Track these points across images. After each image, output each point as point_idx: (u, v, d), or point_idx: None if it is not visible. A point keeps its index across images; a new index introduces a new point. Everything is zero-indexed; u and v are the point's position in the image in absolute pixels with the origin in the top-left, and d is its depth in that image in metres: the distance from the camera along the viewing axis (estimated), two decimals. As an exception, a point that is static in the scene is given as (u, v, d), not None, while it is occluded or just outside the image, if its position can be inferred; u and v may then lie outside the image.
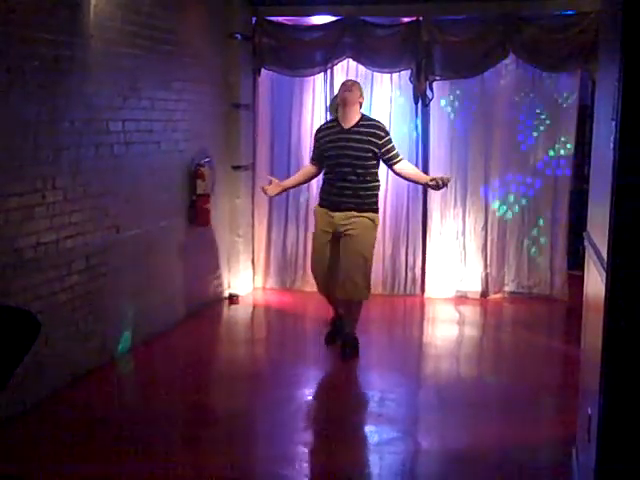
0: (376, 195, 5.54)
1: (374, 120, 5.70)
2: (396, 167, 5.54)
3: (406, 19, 7.17)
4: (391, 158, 5.49)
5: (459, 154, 7.36)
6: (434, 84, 7.15)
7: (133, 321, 5.61)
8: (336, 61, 7.30)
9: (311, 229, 7.59)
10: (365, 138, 5.42)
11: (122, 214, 5.44)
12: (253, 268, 7.71)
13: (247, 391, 5.08)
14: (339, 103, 5.55)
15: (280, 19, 7.35)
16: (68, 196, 4.79)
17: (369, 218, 5.44)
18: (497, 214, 7.40)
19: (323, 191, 5.64)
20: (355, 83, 5.69)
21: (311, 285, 7.56)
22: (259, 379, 5.34)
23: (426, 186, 5.76)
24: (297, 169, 7.54)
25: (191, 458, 4.04)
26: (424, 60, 7.04)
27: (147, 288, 5.83)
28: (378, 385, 5.16)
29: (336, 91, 7.40)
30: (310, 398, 4.88)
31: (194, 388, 5.15)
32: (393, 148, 5.51)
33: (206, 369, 5.47)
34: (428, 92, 7.14)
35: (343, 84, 5.67)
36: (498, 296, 7.41)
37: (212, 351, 5.86)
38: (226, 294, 7.36)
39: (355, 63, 7.32)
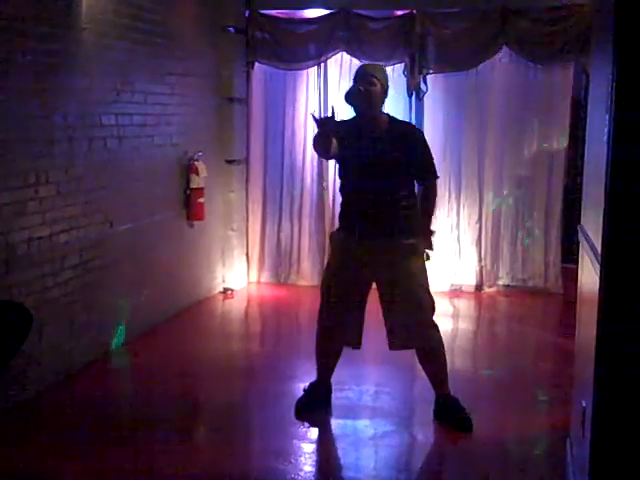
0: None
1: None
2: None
3: (400, 12, 7.16)
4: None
5: (453, 148, 7.35)
6: (428, 77, 7.15)
7: (127, 315, 5.60)
8: (330, 54, 7.29)
9: (305, 224, 7.63)
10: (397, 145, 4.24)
11: (115, 208, 5.42)
12: (247, 262, 7.70)
13: (242, 385, 5.07)
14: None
15: (274, 12, 7.33)
16: (61, 190, 4.77)
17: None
18: (491, 207, 7.39)
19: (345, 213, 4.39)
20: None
21: (305, 279, 7.59)
22: (254, 373, 5.34)
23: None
24: (290, 163, 7.58)
25: (186, 452, 4.03)
26: (418, 53, 7.04)
27: (141, 282, 5.82)
28: (373, 379, 5.16)
29: (330, 85, 7.46)
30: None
31: (188, 382, 5.14)
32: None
33: (200, 363, 5.45)
34: (422, 86, 7.14)
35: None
36: (492, 289, 7.41)
37: (206, 345, 5.85)
38: (220, 288, 7.35)
39: (349, 56, 7.31)
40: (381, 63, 7.09)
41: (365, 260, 4.22)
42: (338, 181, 4.48)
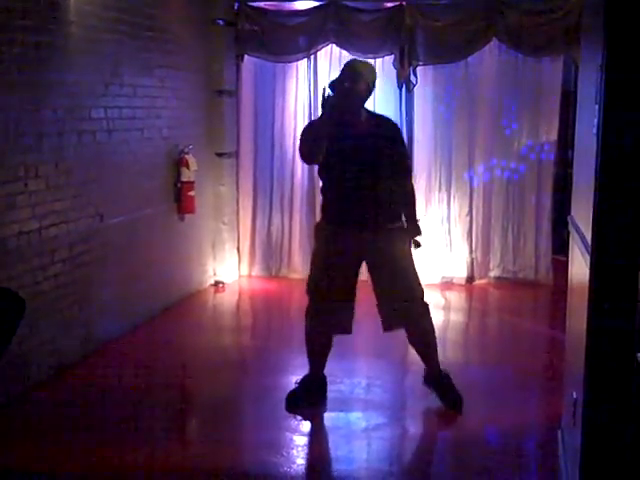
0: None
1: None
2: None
3: (389, 4, 7.15)
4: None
5: (443, 140, 7.36)
6: (418, 69, 7.14)
7: (118, 310, 5.59)
8: (319, 47, 7.27)
9: (295, 217, 7.62)
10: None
11: (106, 202, 5.40)
12: (238, 256, 7.69)
13: (233, 379, 5.07)
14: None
15: (263, 4, 7.30)
16: (51, 184, 4.75)
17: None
18: (482, 199, 7.41)
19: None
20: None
21: (296, 272, 7.58)
22: (245, 367, 5.34)
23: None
24: (281, 156, 7.56)
25: (178, 446, 4.04)
26: (407, 45, 7.03)
27: (132, 276, 5.80)
28: (365, 372, 5.17)
29: (320, 77, 7.44)
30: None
31: (180, 376, 5.14)
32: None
33: (192, 357, 5.45)
34: (412, 77, 7.14)
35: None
36: (484, 281, 7.43)
37: (198, 339, 5.85)
38: (211, 282, 7.35)
39: (339, 49, 7.29)
40: (370, 56, 7.16)
41: (352, 248, 4.25)
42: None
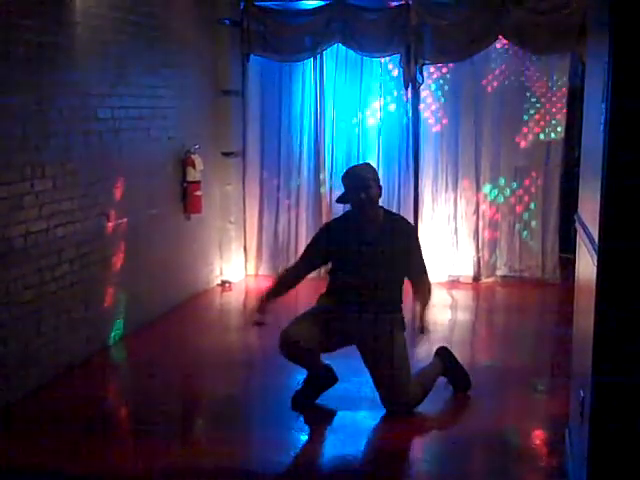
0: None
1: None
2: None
3: (394, 2, 7.14)
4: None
5: (450, 138, 7.35)
6: (424, 68, 7.14)
7: (125, 309, 5.60)
8: (325, 46, 7.27)
9: (302, 216, 7.62)
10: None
11: (112, 202, 5.41)
12: (245, 255, 7.70)
13: (240, 378, 5.07)
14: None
15: (269, 4, 7.31)
16: (57, 184, 4.76)
17: None
18: (488, 198, 7.40)
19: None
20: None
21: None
22: (252, 366, 5.34)
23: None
24: (287, 155, 7.57)
25: (185, 444, 4.04)
26: (413, 44, 7.02)
27: (138, 276, 5.81)
28: (371, 370, 5.15)
29: (326, 76, 7.44)
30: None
31: (187, 376, 5.14)
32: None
33: (199, 356, 5.45)
34: (418, 76, 7.13)
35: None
36: (490, 280, 7.42)
37: (205, 338, 5.85)
38: (218, 281, 7.35)
39: (345, 48, 7.29)
40: (376, 54, 7.18)
41: (346, 330, 4.33)
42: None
